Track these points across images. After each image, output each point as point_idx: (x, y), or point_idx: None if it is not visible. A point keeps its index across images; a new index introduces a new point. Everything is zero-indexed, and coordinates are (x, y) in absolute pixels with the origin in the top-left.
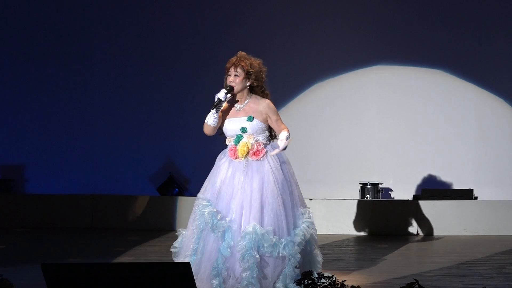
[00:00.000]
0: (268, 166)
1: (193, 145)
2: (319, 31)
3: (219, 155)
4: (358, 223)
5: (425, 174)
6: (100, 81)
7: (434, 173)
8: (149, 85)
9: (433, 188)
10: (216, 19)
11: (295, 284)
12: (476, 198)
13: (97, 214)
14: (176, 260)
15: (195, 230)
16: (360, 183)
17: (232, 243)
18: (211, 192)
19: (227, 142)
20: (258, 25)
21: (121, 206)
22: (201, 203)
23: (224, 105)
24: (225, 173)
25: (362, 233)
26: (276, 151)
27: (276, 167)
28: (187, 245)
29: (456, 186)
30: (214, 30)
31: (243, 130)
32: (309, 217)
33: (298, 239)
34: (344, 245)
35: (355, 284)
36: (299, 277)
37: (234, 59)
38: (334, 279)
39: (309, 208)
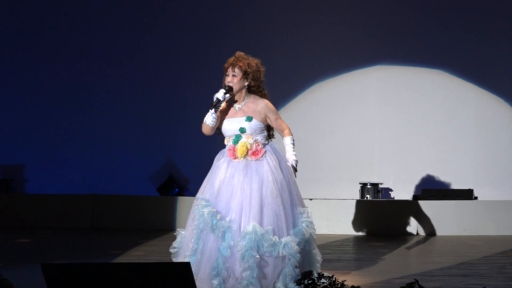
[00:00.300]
0: (267, 166)
1: (193, 145)
2: (319, 31)
3: (217, 155)
4: (358, 223)
5: (425, 174)
6: (100, 81)
7: (434, 173)
8: (149, 85)
9: (433, 188)
10: (216, 19)
11: (295, 284)
12: (476, 198)
13: (97, 214)
14: (175, 260)
15: (194, 230)
16: (360, 183)
17: (232, 243)
18: (210, 192)
19: (225, 142)
20: (258, 25)
21: (121, 206)
22: (200, 203)
23: (223, 105)
24: (224, 173)
25: (362, 233)
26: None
27: (275, 167)
28: (187, 245)
29: (456, 186)
30: (214, 30)
31: (242, 130)
32: (308, 217)
33: (297, 239)
34: (344, 245)
35: (355, 284)
36: (299, 277)
37: (232, 59)
38: (334, 279)
39: (308, 207)
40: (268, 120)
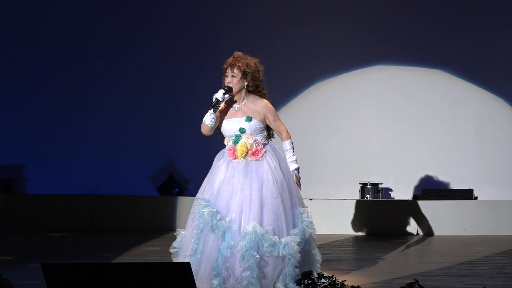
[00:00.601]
0: (267, 166)
1: (193, 145)
2: (319, 31)
3: (217, 155)
4: (358, 223)
5: (425, 174)
6: (100, 81)
7: (434, 173)
8: (149, 85)
9: (433, 188)
10: (216, 19)
11: (295, 284)
12: (476, 198)
13: (97, 214)
14: (175, 260)
15: (194, 230)
16: (360, 183)
17: (232, 243)
18: (210, 192)
19: (225, 142)
20: (258, 25)
21: (121, 206)
22: (200, 203)
23: (222, 105)
24: (224, 173)
25: (362, 233)
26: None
27: (275, 167)
28: (187, 245)
29: (456, 186)
30: (214, 30)
31: (242, 130)
32: (308, 217)
33: (297, 239)
34: (344, 245)
35: (355, 284)
36: (299, 277)
37: (230, 59)
38: (334, 279)
39: (308, 207)
40: (267, 120)
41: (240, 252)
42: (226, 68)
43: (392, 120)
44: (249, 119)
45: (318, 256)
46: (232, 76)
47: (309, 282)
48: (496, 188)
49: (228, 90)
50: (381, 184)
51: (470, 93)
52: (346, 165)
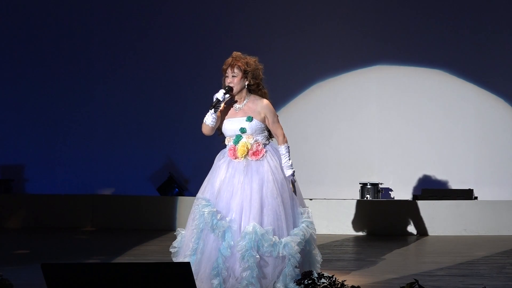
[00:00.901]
0: (267, 166)
1: (193, 145)
2: (319, 31)
3: (218, 155)
4: (358, 223)
5: (425, 174)
6: (100, 81)
7: (434, 173)
8: (149, 85)
9: (433, 188)
10: (216, 19)
11: (295, 284)
12: (476, 198)
13: (97, 214)
14: (175, 260)
15: (194, 230)
16: (360, 183)
17: (232, 243)
18: (210, 192)
19: (226, 142)
20: (258, 25)
21: (121, 206)
22: (201, 203)
23: (222, 105)
24: (224, 173)
25: (362, 233)
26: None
27: (276, 167)
28: (187, 245)
29: (456, 186)
30: (214, 30)
31: (242, 130)
32: (308, 217)
33: (298, 239)
34: (344, 245)
35: (355, 284)
36: (299, 277)
37: (229, 60)
38: (334, 279)
39: (308, 207)
40: (266, 120)
41: (240, 252)
42: (226, 69)
43: (392, 120)
44: (250, 119)
45: (318, 256)
46: (233, 76)
47: (309, 282)
48: (496, 188)
49: (229, 90)
50: (381, 184)
51: (470, 93)
52: (346, 165)
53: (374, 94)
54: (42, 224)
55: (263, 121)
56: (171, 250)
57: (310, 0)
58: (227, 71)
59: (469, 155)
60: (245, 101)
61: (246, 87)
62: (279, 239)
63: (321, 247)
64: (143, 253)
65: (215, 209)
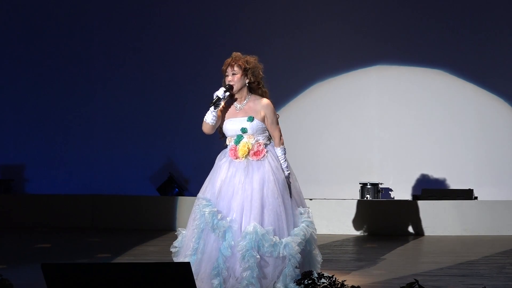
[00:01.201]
0: (268, 166)
1: (193, 145)
2: (319, 31)
3: (219, 155)
4: (358, 223)
5: (424, 174)
6: (100, 81)
7: (434, 173)
8: (149, 85)
9: (433, 188)
10: (216, 19)
11: (295, 284)
12: (476, 198)
13: (97, 214)
14: (176, 260)
15: (195, 230)
16: (360, 183)
17: (232, 243)
18: (211, 192)
19: (227, 142)
20: (258, 25)
21: (121, 206)
22: (202, 203)
23: (222, 104)
24: (225, 173)
25: (362, 233)
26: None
27: (277, 167)
28: (187, 244)
29: (456, 186)
30: (214, 30)
31: (243, 130)
32: (309, 217)
33: (298, 239)
34: (344, 245)
35: (355, 284)
36: (299, 277)
37: (229, 60)
38: (334, 279)
39: (309, 207)
40: (265, 119)
41: (240, 252)
42: (226, 69)
43: (392, 120)
44: (251, 119)
45: (318, 256)
46: (233, 74)
47: (309, 282)
48: (496, 188)
49: (229, 88)
50: (381, 184)
51: (470, 93)
52: (346, 165)
53: (374, 94)
54: (42, 224)
55: (263, 120)
56: (172, 249)
57: (310, 0)
58: (227, 70)
59: (469, 155)
60: (245, 101)
61: (246, 85)
62: (280, 239)
63: (321, 247)
64: (143, 253)
65: (215, 209)
